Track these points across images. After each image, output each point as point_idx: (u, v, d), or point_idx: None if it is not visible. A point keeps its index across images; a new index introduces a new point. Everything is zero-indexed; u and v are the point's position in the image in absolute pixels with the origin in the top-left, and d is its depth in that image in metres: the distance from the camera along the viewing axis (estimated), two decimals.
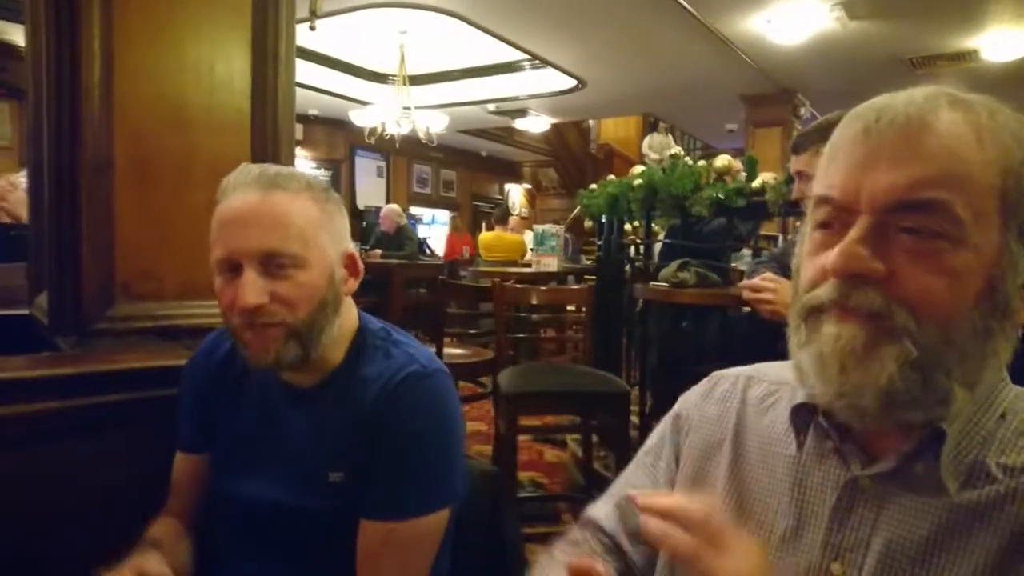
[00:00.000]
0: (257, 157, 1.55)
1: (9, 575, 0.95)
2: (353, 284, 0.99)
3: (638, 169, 3.17)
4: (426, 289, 6.57)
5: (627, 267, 3.46)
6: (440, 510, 0.93)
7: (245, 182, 0.91)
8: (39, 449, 1.11)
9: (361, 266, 1.00)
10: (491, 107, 8.59)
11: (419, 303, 6.14)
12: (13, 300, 1.71)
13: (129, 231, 1.39)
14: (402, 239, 6.97)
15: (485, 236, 6.81)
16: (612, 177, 3.46)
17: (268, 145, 1.58)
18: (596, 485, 2.89)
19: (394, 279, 6.17)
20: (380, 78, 7.43)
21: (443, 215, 12.20)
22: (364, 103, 7.75)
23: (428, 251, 8.24)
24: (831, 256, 0.55)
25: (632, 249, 3.61)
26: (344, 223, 0.98)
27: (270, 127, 1.58)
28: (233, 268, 0.88)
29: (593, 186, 3.41)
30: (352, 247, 1.00)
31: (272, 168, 0.93)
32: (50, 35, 1.36)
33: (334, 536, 0.93)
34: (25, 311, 1.61)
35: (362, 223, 9.38)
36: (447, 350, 3.31)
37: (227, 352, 1.05)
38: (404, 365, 0.95)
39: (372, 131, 6.93)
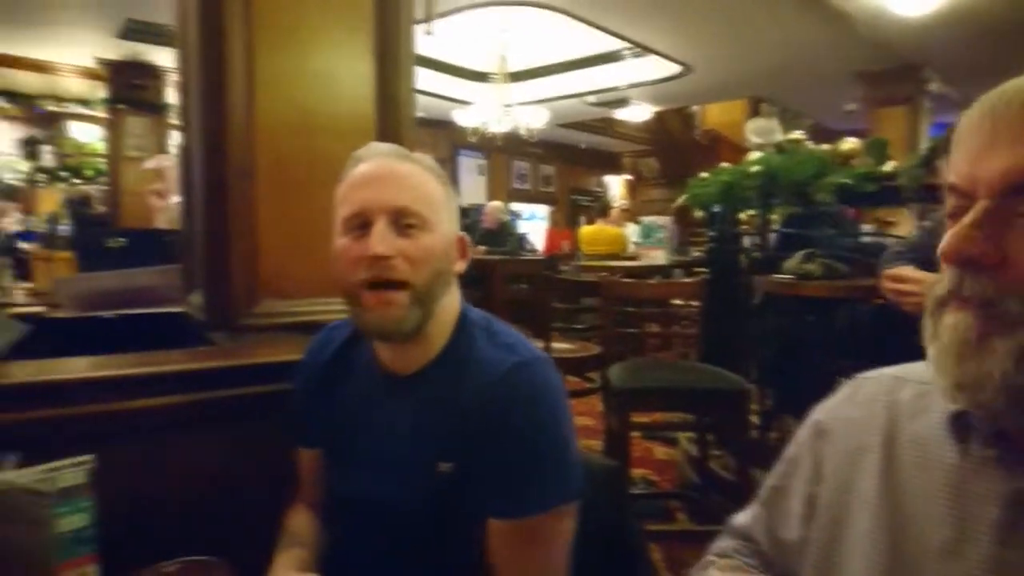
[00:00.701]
0: None
1: (146, 555, 1.00)
2: (461, 265, 1.00)
3: (754, 155, 3.03)
4: (527, 284, 6.62)
5: (742, 258, 3.32)
6: (571, 501, 0.91)
7: (377, 152, 0.96)
8: (185, 438, 1.19)
9: (469, 251, 1.02)
10: (591, 99, 8.50)
11: (520, 298, 6.18)
12: (169, 299, 1.87)
13: (268, 233, 1.49)
14: (504, 235, 7.06)
15: (586, 230, 6.77)
16: (725, 164, 3.33)
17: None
18: (713, 485, 2.81)
19: (496, 274, 6.28)
20: (481, 77, 7.55)
21: (542, 210, 12.24)
22: (466, 103, 7.90)
23: (528, 246, 8.30)
24: (944, 242, 0.54)
25: (746, 239, 3.47)
26: (457, 209, 1.01)
27: (392, 130, 1.64)
28: (363, 224, 0.90)
29: (704, 174, 3.30)
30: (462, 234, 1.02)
31: (401, 148, 0.99)
32: (200, 57, 1.48)
33: (444, 527, 0.92)
34: (180, 308, 1.76)
35: (465, 220, 9.58)
36: (553, 344, 3.31)
37: (338, 347, 1.06)
38: (509, 353, 0.93)
39: (474, 130, 7.05)
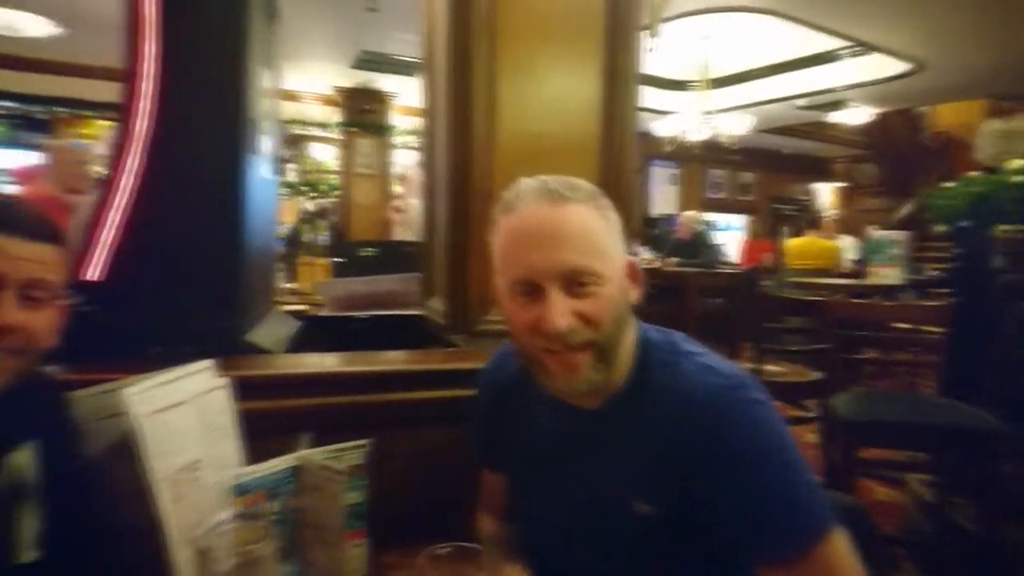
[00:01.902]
0: (602, 177, 1.66)
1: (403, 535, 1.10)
2: (636, 294, 0.90)
3: (1017, 163, 2.63)
4: (723, 299, 6.32)
5: (998, 280, 2.89)
6: (831, 525, 0.78)
7: (531, 195, 0.85)
8: (441, 430, 1.30)
9: (641, 274, 0.91)
10: (801, 102, 7.94)
11: (715, 313, 5.93)
12: (408, 303, 2.08)
13: None
14: (699, 246, 6.83)
15: (794, 242, 6.32)
16: (974, 173, 2.93)
17: (613, 165, 1.68)
18: (949, 535, 2.48)
19: (689, 287, 6.08)
20: (679, 86, 7.39)
21: (739, 220, 11.64)
22: (663, 112, 7.78)
23: (724, 258, 7.94)
24: None
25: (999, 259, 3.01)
26: (619, 230, 0.89)
27: (616, 148, 1.68)
28: (531, 290, 0.82)
29: (948, 184, 2.93)
30: (630, 255, 0.91)
31: (553, 179, 0.87)
32: (447, 85, 1.64)
33: (641, 572, 0.86)
34: (418, 312, 1.95)
35: (654, 231, 9.43)
36: (765, 367, 3.13)
37: (514, 373, 1.00)
38: (703, 379, 0.84)
39: (671, 140, 6.92)
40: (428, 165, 1.97)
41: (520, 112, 1.59)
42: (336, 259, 3.15)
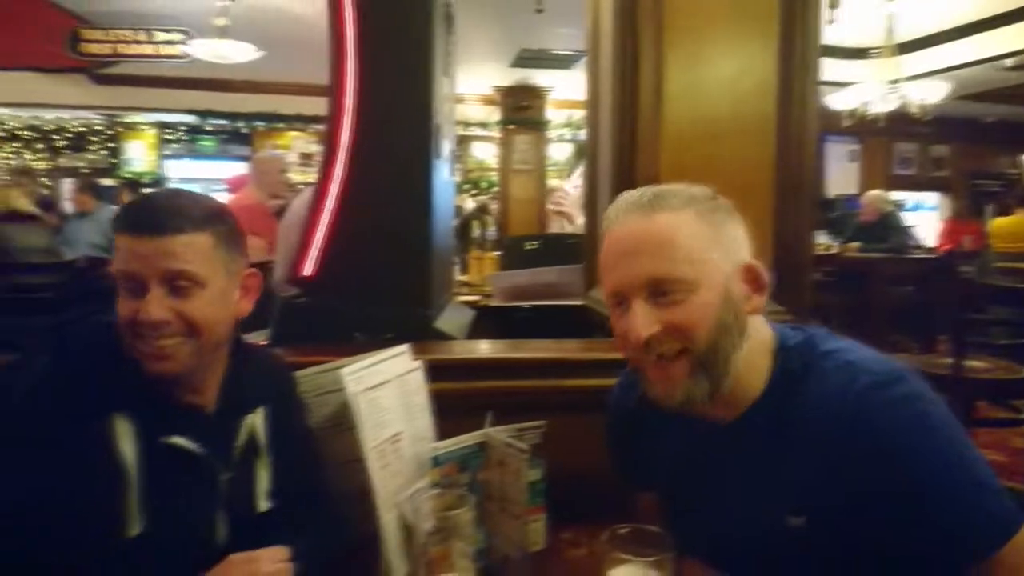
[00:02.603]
0: (780, 159, 1.59)
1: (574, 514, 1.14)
2: (759, 301, 0.86)
3: None
4: (914, 287, 5.71)
5: None
6: (1016, 525, 0.74)
7: (624, 208, 0.86)
8: (576, 419, 1.30)
9: (766, 279, 0.86)
10: (1008, 63, 6.92)
11: (904, 304, 5.40)
12: (569, 294, 2.14)
13: None
14: (886, 229, 6.20)
15: (1002, 222, 5.55)
16: None
17: (791, 146, 1.60)
18: None
19: (874, 276, 5.55)
20: (859, 54, 6.75)
21: (930, 199, 10.42)
22: (841, 84, 7.16)
23: (915, 242, 7.16)
24: None
25: None
26: (737, 232, 0.87)
27: (794, 129, 1.60)
28: (622, 301, 0.84)
29: None
30: (751, 258, 0.87)
31: (651, 189, 0.87)
32: (612, 76, 1.66)
33: None
34: (580, 302, 2.00)
35: (831, 213, 8.72)
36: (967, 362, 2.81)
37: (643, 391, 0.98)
38: (849, 380, 0.80)
39: (851, 113, 6.36)
40: (591, 156, 2.00)
41: (689, 97, 1.57)
42: (501, 253, 3.30)
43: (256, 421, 1.00)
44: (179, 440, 0.89)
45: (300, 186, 4.23)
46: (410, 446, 1.13)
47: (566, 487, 1.13)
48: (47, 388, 0.86)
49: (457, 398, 1.24)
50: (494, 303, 2.27)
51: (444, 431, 1.16)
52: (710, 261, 0.82)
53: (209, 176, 7.42)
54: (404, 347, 1.20)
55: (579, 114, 7.28)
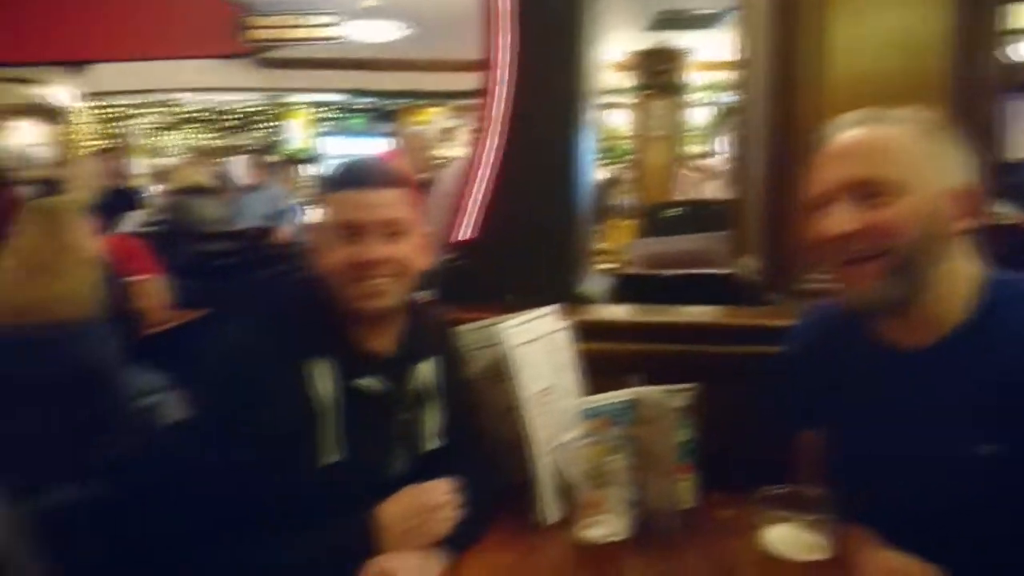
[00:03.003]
0: (956, 119, 1.47)
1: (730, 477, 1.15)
2: (968, 224, 0.86)
3: None
4: None
5: None
6: None
7: (845, 123, 0.90)
8: (721, 386, 1.26)
9: (980, 207, 0.87)
10: None
11: None
12: (712, 262, 2.10)
13: None
14: None
15: None
16: None
17: (969, 105, 1.47)
18: None
19: None
20: None
21: None
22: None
23: None
24: None
25: None
26: (958, 156, 0.87)
27: (973, 85, 1.47)
28: (827, 203, 0.87)
29: None
30: (971, 184, 0.86)
31: (878, 109, 0.90)
32: (767, 36, 1.60)
33: (995, 521, 0.80)
34: (724, 271, 1.96)
35: (1013, 178, 7.72)
36: None
37: (831, 325, 1.01)
38: None
39: None
40: (741, 118, 1.94)
41: (853, 52, 1.48)
42: (639, 220, 3.28)
43: (426, 369, 1.11)
44: (367, 381, 1.02)
45: (444, 160, 4.42)
46: (559, 400, 1.20)
47: (712, 452, 1.15)
48: (259, 335, 1.01)
49: (601, 359, 1.29)
50: (632, 271, 2.29)
51: (588, 390, 1.22)
52: (922, 173, 0.84)
53: (359, 153, 7.92)
54: (553, 307, 1.26)
55: (722, 76, 6.96)
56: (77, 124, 8.51)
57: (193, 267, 4.51)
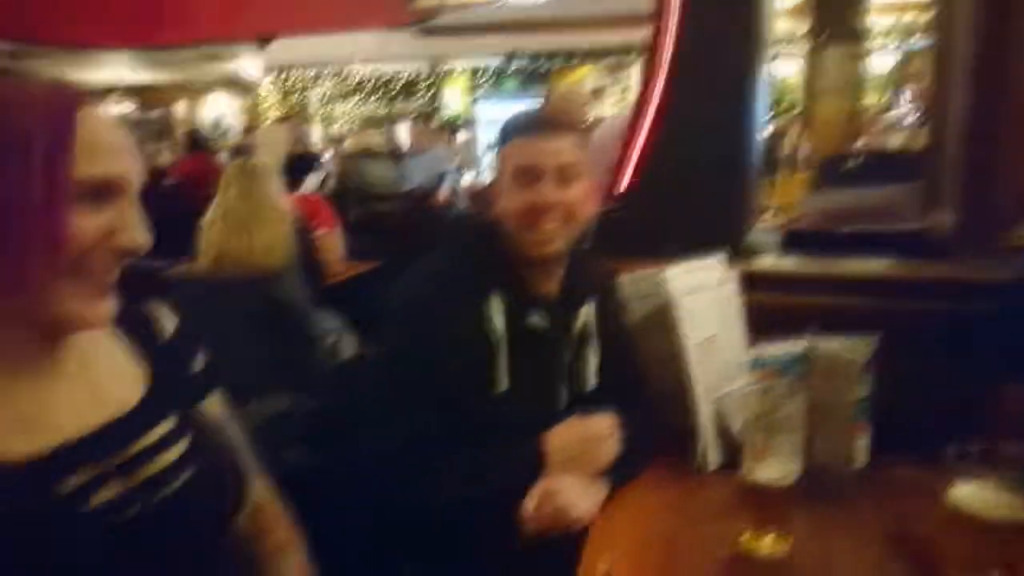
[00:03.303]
0: None
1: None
2: None
3: None
4: None
5: None
6: None
7: None
8: (906, 344, 1.17)
9: None
10: None
11: None
12: (899, 217, 1.92)
13: None
14: None
15: None
16: None
17: None
18: None
19: None
20: None
21: None
22: None
23: None
24: None
25: None
26: None
27: None
28: None
29: None
30: None
31: None
32: None
33: None
34: (914, 226, 1.79)
35: None
36: None
37: None
38: None
39: None
40: (939, 60, 1.74)
41: None
42: (813, 173, 3.05)
43: (587, 313, 1.15)
44: (534, 320, 1.07)
45: (596, 119, 4.38)
46: (724, 350, 1.18)
47: (886, 412, 1.08)
48: (442, 273, 1.10)
49: (768, 311, 1.24)
50: (805, 227, 2.15)
51: (759, 341, 1.19)
52: None
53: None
54: (720, 256, 1.24)
55: (910, 18, 6.20)
56: (263, 95, 9.44)
57: (363, 224, 4.89)
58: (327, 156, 7.64)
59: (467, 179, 5.83)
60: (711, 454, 1.10)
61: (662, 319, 1.16)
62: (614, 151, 1.67)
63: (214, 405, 0.81)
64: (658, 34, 1.44)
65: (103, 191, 0.60)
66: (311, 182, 5.18)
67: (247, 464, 0.81)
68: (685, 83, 1.49)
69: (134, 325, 0.76)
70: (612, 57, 7.99)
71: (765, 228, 1.99)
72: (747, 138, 1.54)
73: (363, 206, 5.08)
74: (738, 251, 1.42)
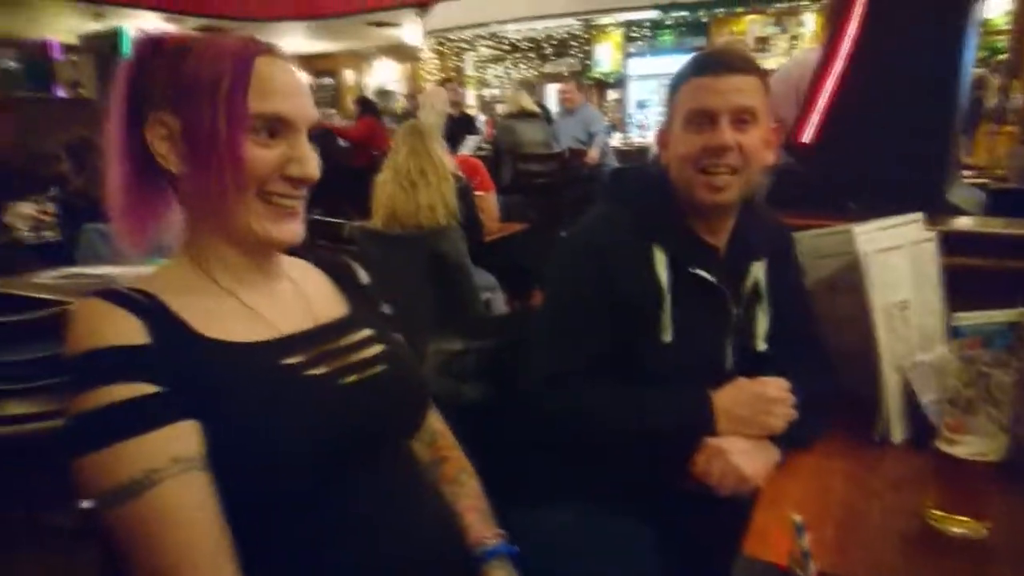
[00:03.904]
0: None
1: None
2: None
3: None
4: None
5: None
6: None
7: None
8: None
9: None
10: None
11: None
12: None
13: None
14: None
15: None
16: None
17: None
18: None
19: None
20: None
21: None
22: None
23: None
24: None
25: None
26: None
27: None
28: None
29: None
30: None
31: None
32: None
33: None
34: None
35: None
36: None
37: None
38: None
39: None
40: None
41: None
42: (1021, 127, 2.66)
43: (758, 269, 1.10)
44: (702, 272, 1.04)
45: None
46: (918, 316, 1.08)
47: None
48: (608, 220, 1.10)
49: (977, 276, 1.13)
50: (1011, 185, 1.89)
51: (956, 308, 1.08)
52: None
53: (667, 71, 7.73)
54: (918, 215, 1.13)
55: None
56: (423, 60, 9.80)
57: (515, 185, 4.98)
58: (482, 118, 7.83)
59: (618, 136, 5.70)
60: (896, 426, 1.03)
61: (847, 279, 1.09)
62: (790, 100, 1.57)
63: (400, 341, 0.89)
64: None
65: (276, 126, 0.71)
66: (469, 144, 5.34)
67: (428, 389, 0.89)
68: (880, 27, 1.34)
69: (336, 269, 0.89)
70: (780, 3, 7.37)
71: (966, 188, 1.78)
72: (949, 87, 1.37)
73: (515, 166, 5.17)
74: (937, 210, 1.28)
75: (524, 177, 5.09)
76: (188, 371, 0.65)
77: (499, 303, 3.01)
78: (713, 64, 1.02)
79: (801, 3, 7.18)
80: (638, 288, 1.03)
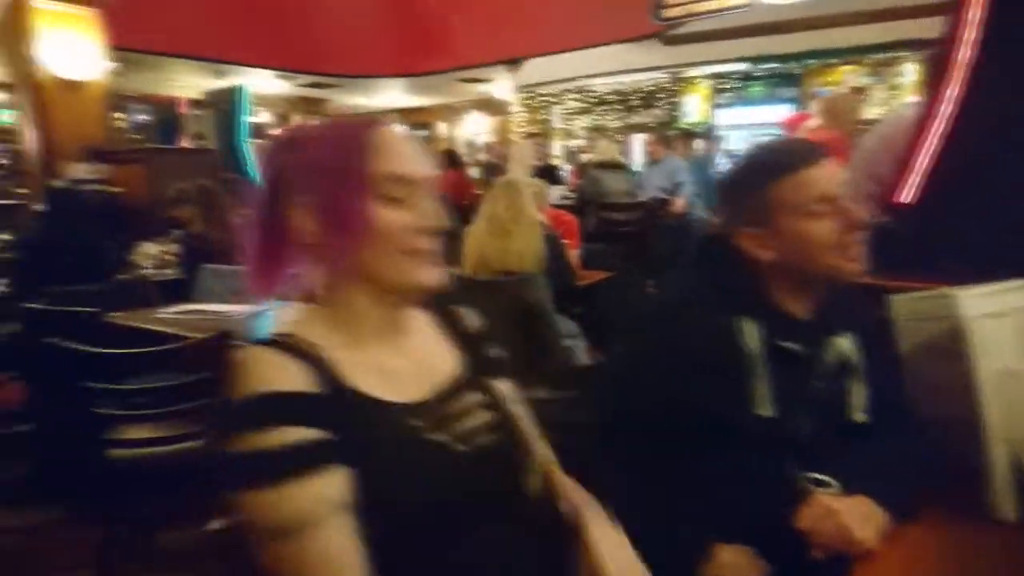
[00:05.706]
0: None
1: None
2: None
3: None
4: None
5: None
6: None
7: None
8: None
9: None
10: None
11: None
12: None
13: None
14: None
15: None
16: None
17: None
18: None
19: None
20: None
21: None
22: None
23: None
24: None
25: None
26: None
27: None
28: None
29: None
30: None
31: None
32: None
33: None
34: None
35: None
36: None
37: None
38: None
39: None
40: None
41: None
42: None
43: (845, 342, 1.07)
44: (789, 344, 1.03)
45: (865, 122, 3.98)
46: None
47: None
48: (695, 288, 1.12)
49: None
50: None
51: None
52: None
53: (757, 121, 7.64)
54: (1022, 281, 1.08)
55: None
56: (513, 113, 10.13)
57: (600, 234, 5.02)
58: (567, 168, 7.96)
59: (703, 187, 5.66)
60: (1005, 504, 0.97)
61: (949, 345, 1.05)
62: (889, 157, 1.54)
63: (507, 387, 0.93)
64: (956, 27, 1.28)
65: (402, 187, 0.79)
66: (554, 194, 5.46)
67: (532, 435, 0.91)
68: (985, 81, 1.31)
69: (445, 316, 0.94)
70: (879, 53, 7.18)
71: None
72: None
73: (600, 216, 5.23)
74: None
75: (608, 225, 5.14)
76: (342, 419, 0.71)
77: (580, 350, 3.03)
78: (809, 156, 1.05)
79: (900, 54, 6.96)
80: (727, 359, 1.03)
